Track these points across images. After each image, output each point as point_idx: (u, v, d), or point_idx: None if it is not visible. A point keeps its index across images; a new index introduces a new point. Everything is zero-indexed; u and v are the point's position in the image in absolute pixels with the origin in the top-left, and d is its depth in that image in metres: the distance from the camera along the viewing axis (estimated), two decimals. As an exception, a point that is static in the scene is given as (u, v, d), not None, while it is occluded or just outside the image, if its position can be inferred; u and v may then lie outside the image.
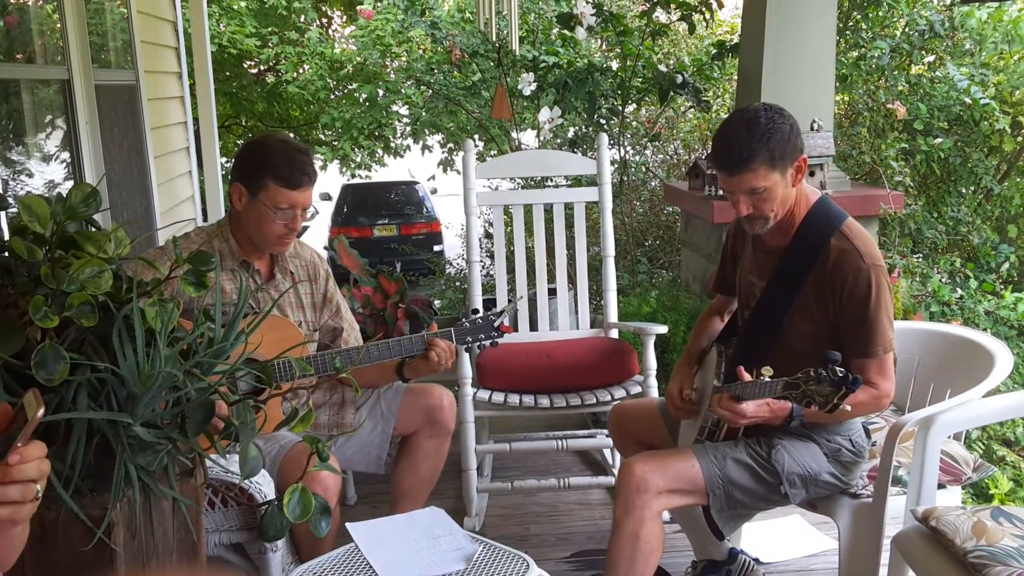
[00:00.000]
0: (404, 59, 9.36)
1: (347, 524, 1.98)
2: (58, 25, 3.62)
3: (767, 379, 1.94)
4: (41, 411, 1.07)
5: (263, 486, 2.14)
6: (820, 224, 2.14)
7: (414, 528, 2.01)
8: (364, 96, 10.76)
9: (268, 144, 2.41)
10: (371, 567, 1.83)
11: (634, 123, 6.66)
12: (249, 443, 1.50)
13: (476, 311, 2.51)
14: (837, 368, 1.81)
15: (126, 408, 1.45)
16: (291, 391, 2.41)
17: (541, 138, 5.75)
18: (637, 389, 3.04)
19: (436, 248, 11.86)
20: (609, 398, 2.99)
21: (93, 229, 1.59)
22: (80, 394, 1.42)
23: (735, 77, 5.13)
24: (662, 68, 5.40)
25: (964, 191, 5.25)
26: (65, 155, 3.73)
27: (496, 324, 2.48)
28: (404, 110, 10.91)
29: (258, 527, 2.15)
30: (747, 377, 1.99)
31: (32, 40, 3.65)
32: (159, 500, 1.51)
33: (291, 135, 12.09)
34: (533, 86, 5.21)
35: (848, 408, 1.84)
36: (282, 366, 2.17)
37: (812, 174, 3.84)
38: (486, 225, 6.87)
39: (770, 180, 2.05)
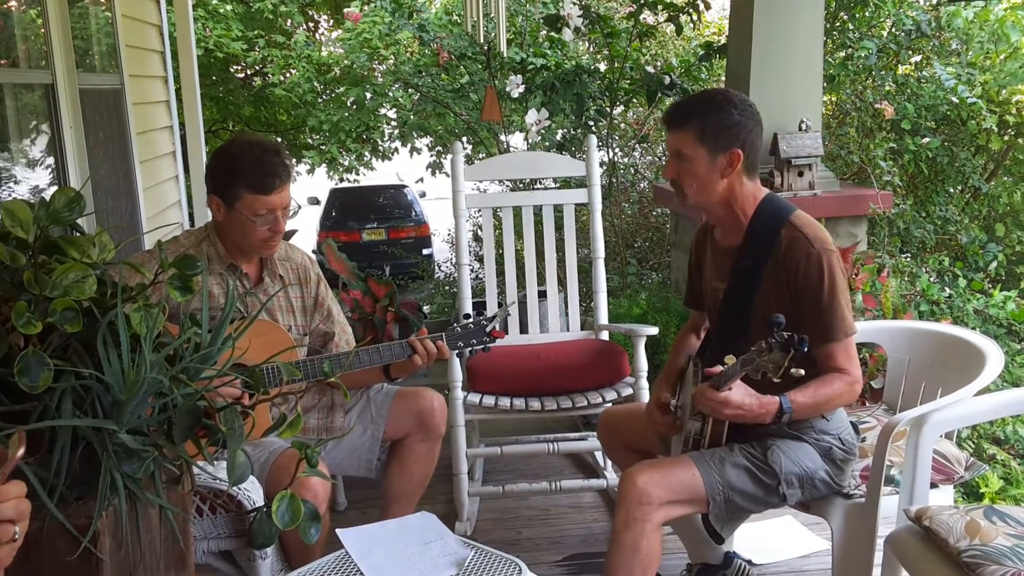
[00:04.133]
0: (392, 62, 9.33)
1: (337, 530, 1.95)
2: (42, 30, 3.59)
3: (730, 366, 1.95)
4: (21, 451, 1.04)
5: (252, 493, 2.11)
6: (769, 218, 2.16)
7: (405, 534, 1.99)
8: (351, 99, 10.71)
9: (235, 151, 2.34)
10: (362, 573, 1.81)
11: (622, 125, 6.66)
12: (237, 449, 1.48)
13: (468, 316, 2.49)
14: (783, 332, 1.81)
15: (111, 415, 1.42)
16: (279, 396, 2.39)
17: (529, 140, 5.74)
18: (628, 391, 3.03)
19: (425, 252, 11.82)
20: (600, 400, 2.98)
21: (77, 234, 1.57)
22: (64, 401, 1.40)
23: (723, 78, 5.14)
24: (650, 70, 5.40)
25: (952, 190, 5.28)
26: (50, 160, 3.69)
27: (488, 329, 2.46)
28: (392, 113, 10.87)
29: (247, 534, 2.13)
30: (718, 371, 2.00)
31: (16, 44, 3.61)
32: (146, 508, 1.49)
33: (278, 138, 12.04)
34: (521, 88, 5.20)
35: (802, 372, 1.84)
36: (270, 371, 2.15)
37: (801, 174, 3.86)
38: (475, 228, 6.85)
39: (695, 153, 2.10)
